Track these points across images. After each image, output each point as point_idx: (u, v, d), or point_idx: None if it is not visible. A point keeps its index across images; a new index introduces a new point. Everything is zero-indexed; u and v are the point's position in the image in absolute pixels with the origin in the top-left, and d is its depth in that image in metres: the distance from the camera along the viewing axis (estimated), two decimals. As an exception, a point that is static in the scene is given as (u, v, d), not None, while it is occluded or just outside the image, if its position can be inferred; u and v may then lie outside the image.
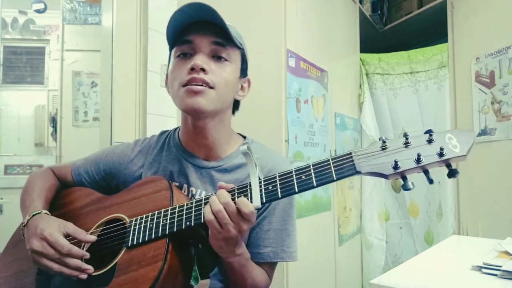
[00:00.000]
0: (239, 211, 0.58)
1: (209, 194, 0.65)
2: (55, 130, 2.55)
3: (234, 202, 0.59)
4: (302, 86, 1.60)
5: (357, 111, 2.27)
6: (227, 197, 0.59)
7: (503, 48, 1.80)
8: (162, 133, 0.87)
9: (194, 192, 0.77)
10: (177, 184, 0.78)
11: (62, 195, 0.85)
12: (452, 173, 0.55)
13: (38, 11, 2.95)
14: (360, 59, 2.32)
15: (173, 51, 0.75)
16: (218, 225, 0.59)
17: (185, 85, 0.70)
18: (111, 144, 1.44)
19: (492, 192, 1.80)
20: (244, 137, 0.85)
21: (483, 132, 1.87)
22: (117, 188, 0.83)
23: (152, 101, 1.50)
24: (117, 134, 1.45)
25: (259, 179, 0.61)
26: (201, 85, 0.69)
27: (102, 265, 0.68)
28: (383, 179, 2.32)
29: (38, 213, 0.72)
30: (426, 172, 0.57)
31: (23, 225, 0.72)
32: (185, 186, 0.78)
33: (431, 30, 2.49)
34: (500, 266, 0.85)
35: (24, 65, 3.27)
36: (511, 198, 1.73)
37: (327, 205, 1.80)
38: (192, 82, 0.69)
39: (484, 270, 0.88)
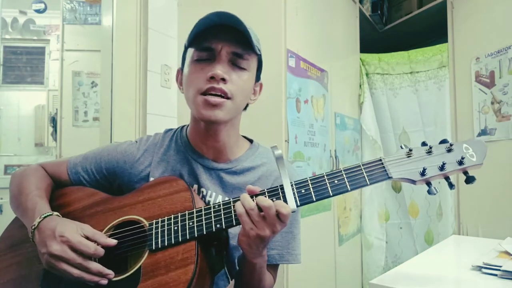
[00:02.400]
0: (277, 212, 0.59)
1: (236, 198, 0.64)
2: (55, 130, 2.54)
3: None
4: (302, 86, 1.60)
5: (357, 111, 2.28)
6: (267, 199, 0.60)
7: (503, 48, 1.80)
8: (167, 131, 0.86)
9: (204, 193, 0.76)
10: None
11: (57, 195, 0.79)
12: (469, 180, 0.62)
13: (38, 11, 2.96)
14: (360, 59, 2.32)
15: (190, 51, 0.73)
16: (248, 219, 0.60)
17: (203, 93, 0.69)
18: (111, 144, 1.44)
19: (492, 192, 1.80)
20: (251, 141, 0.86)
21: (483, 132, 1.87)
22: (119, 188, 0.80)
23: (152, 101, 1.50)
24: (117, 134, 1.45)
25: (290, 182, 0.63)
26: (220, 96, 0.69)
27: (116, 270, 0.65)
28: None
29: (50, 214, 0.68)
30: (447, 178, 0.63)
31: (33, 227, 0.66)
32: (195, 186, 0.77)
33: (431, 30, 2.49)
34: (500, 266, 0.85)
35: (24, 65, 3.27)
36: (511, 198, 1.73)
37: (327, 205, 1.80)
38: (211, 91, 0.68)
39: (484, 270, 0.88)
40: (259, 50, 0.74)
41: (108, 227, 0.71)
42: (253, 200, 0.60)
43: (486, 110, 1.87)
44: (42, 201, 0.73)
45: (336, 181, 0.62)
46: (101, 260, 0.64)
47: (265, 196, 0.62)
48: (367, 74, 2.34)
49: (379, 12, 2.51)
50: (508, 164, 1.74)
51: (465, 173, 0.63)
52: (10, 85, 3.25)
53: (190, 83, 0.72)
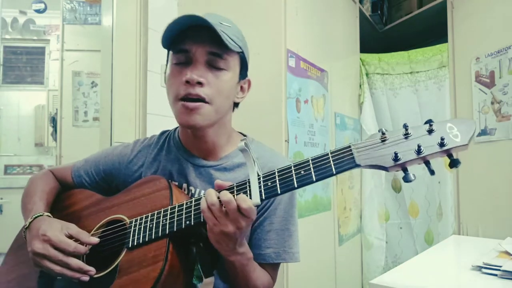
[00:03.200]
0: (238, 207, 0.58)
1: None
2: (55, 130, 2.55)
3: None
4: (302, 86, 1.60)
5: (357, 111, 2.27)
6: (227, 193, 0.59)
7: (503, 48, 1.80)
8: (163, 133, 0.87)
9: (193, 191, 0.77)
10: (177, 183, 0.78)
11: (63, 198, 0.85)
12: (453, 163, 0.54)
13: (38, 11, 2.96)
14: (360, 59, 2.32)
15: (170, 54, 0.74)
16: (212, 216, 0.59)
17: (181, 98, 0.69)
18: (111, 144, 1.44)
19: (492, 192, 1.80)
20: (245, 136, 0.85)
21: (483, 132, 1.87)
22: (117, 188, 0.82)
23: (152, 101, 1.50)
24: (117, 134, 1.45)
25: (258, 175, 0.61)
26: (197, 100, 0.68)
27: (103, 267, 0.68)
28: (383, 178, 2.31)
29: (40, 215, 0.72)
30: (427, 163, 0.56)
31: (25, 227, 0.71)
32: (184, 185, 0.78)
33: (431, 30, 2.49)
34: (500, 266, 0.85)
35: (24, 65, 3.27)
36: (511, 198, 1.73)
37: (327, 205, 1.80)
38: (188, 96, 0.68)
39: (484, 270, 0.88)
40: (239, 48, 0.72)
41: (97, 226, 0.74)
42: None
43: (486, 110, 1.87)
44: (40, 203, 0.77)
45: (302, 172, 0.58)
46: (90, 258, 0.68)
47: (234, 191, 0.61)
48: (367, 74, 2.34)
49: (379, 12, 2.51)
50: (508, 164, 1.74)
51: (450, 156, 0.55)
52: (10, 85, 3.25)
53: (169, 88, 0.72)
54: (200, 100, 0.68)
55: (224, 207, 0.58)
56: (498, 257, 0.94)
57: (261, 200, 0.59)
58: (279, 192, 0.59)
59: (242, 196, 0.59)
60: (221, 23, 0.69)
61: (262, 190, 0.60)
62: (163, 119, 1.53)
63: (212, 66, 0.70)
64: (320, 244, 1.74)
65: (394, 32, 2.64)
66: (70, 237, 0.67)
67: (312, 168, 0.58)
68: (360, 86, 2.30)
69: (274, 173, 0.61)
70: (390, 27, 2.59)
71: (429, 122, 0.56)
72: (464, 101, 1.98)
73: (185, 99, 0.68)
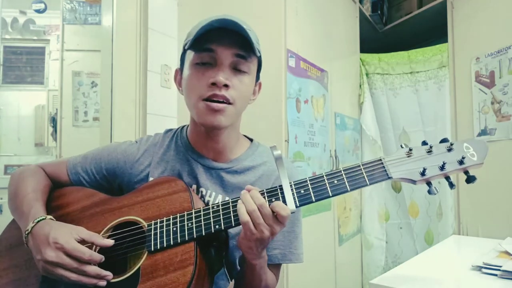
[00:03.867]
0: (274, 213, 0.59)
1: (234, 198, 0.64)
2: (55, 130, 2.54)
3: (269, 205, 0.59)
4: (302, 86, 1.60)
5: (357, 111, 2.28)
6: (261, 198, 0.60)
7: (503, 48, 1.80)
8: (167, 131, 0.85)
9: (204, 193, 0.76)
10: None
11: (56, 196, 0.79)
12: (470, 179, 0.61)
13: (38, 11, 2.96)
14: (360, 59, 2.32)
15: (189, 55, 0.72)
16: (253, 226, 0.59)
17: (205, 99, 0.68)
18: (111, 144, 1.44)
19: (492, 192, 1.80)
20: (250, 140, 0.85)
21: (483, 132, 1.87)
22: (120, 188, 0.80)
23: (152, 101, 1.50)
24: (117, 134, 1.45)
25: (290, 183, 0.62)
26: (222, 102, 0.68)
27: (119, 271, 0.65)
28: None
29: (43, 218, 0.67)
30: (447, 178, 0.63)
31: (26, 232, 0.66)
32: (194, 186, 0.77)
33: (431, 30, 2.49)
34: (500, 266, 0.85)
35: (24, 65, 3.27)
36: (511, 198, 1.73)
37: (327, 205, 1.80)
38: (213, 98, 0.68)
39: (484, 270, 0.88)
40: (259, 52, 0.73)
41: (106, 228, 0.70)
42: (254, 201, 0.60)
43: (486, 110, 1.87)
44: (38, 204, 0.72)
45: (335, 181, 0.62)
46: (101, 262, 0.64)
47: (265, 197, 0.62)
48: (367, 74, 2.34)
49: (379, 12, 2.51)
50: (508, 164, 1.74)
51: (466, 172, 0.62)
52: (10, 85, 3.25)
53: (191, 88, 0.71)
54: (225, 101, 0.69)
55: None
56: (498, 257, 0.94)
57: (296, 207, 0.61)
58: (313, 200, 0.62)
59: (279, 203, 0.60)
60: (244, 28, 0.68)
61: (296, 198, 0.62)
62: (163, 119, 1.53)
63: (236, 69, 0.70)
64: (320, 244, 1.74)
65: (394, 32, 2.64)
66: (82, 241, 0.64)
67: (345, 178, 0.62)
68: (360, 86, 2.30)
69: (306, 181, 0.63)
70: (390, 27, 2.59)
71: (445, 141, 0.63)
72: (464, 101, 1.98)
73: (210, 100, 0.68)
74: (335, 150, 1.92)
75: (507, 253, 0.98)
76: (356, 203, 2.20)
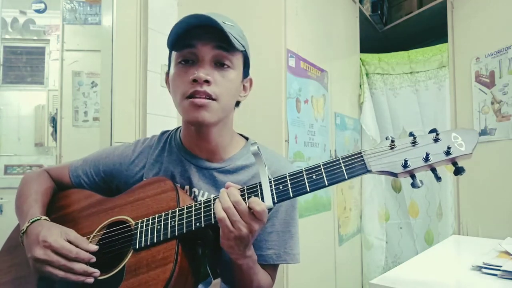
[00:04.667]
0: (250, 210, 0.58)
1: (217, 195, 0.64)
2: (55, 130, 2.54)
3: (246, 202, 0.59)
4: (302, 86, 1.60)
5: (357, 111, 2.28)
6: (237, 195, 0.60)
7: (503, 48, 1.80)
8: (163, 133, 0.86)
9: (196, 193, 0.76)
10: (179, 185, 0.77)
11: (59, 197, 0.83)
12: (458, 171, 0.57)
13: (38, 11, 2.96)
14: (360, 59, 2.32)
15: (173, 55, 0.74)
16: (229, 223, 0.59)
17: (188, 96, 0.69)
18: (111, 144, 1.44)
19: (492, 192, 1.80)
20: (246, 138, 0.85)
21: (483, 132, 1.87)
22: (118, 189, 0.82)
23: (152, 101, 1.50)
24: (117, 134, 1.45)
25: (269, 179, 0.62)
26: (205, 98, 0.68)
27: (106, 269, 0.67)
28: (383, 178, 2.31)
29: (38, 219, 0.70)
30: (433, 170, 0.59)
31: (22, 232, 0.70)
32: (187, 187, 0.77)
33: (431, 30, 2.49)
34: (500, 266, 0.85)
35: (24, 65, 3.27)
36: (511, 198, 1.73)
37: (327, 205, 1.80)
38: (195, 94, 0.68)
39: (484, 270, 0.88)
40: (243, 46, 0.73)
41: (99, 227, 0.73)
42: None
43: (486, 110, 1.87)
44: (36, 205, 0.75)
45: (314, 176, 0.60)
46: (90, 261, 0.66)
47: (244, 194, 0.61)
48: (367, 74, 2.34)
49: (379, 12, 2.51)
50: (508, 164, 1.74)
51: (454, 164, 0.58)
52: (10, 85, 3.25)
53: (176, 87, 0.72)
54: (207, 97, 0.69)
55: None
56: (498, 257, 0.94)
57: (274, 203, 0.60)
58: (291, 195, 0.60)
59: (255, 199, 0.59)
60: (224, 23, 0.69)
61: (274, 194, 0.61)
62: (163, 119, 1.53)
63: (218, 65, 0.71)
64: (320, 244, 1.74)
65: (394, 32, 2.64)
66: (69, 243, 0.66)
67: (324, 173, 0.59)
68: (360, 86, 2.30)
69: (285, 177, 0.61)
70: (390, 27, 2.60)
71: (434, 131, 0.59)
72: (464, 101, 1.99)
73: (193, 97, 0.68)
74: (335, 150, 1.92)
75: (507, 253, 0.98)
76: (356, 203, 2.20)
